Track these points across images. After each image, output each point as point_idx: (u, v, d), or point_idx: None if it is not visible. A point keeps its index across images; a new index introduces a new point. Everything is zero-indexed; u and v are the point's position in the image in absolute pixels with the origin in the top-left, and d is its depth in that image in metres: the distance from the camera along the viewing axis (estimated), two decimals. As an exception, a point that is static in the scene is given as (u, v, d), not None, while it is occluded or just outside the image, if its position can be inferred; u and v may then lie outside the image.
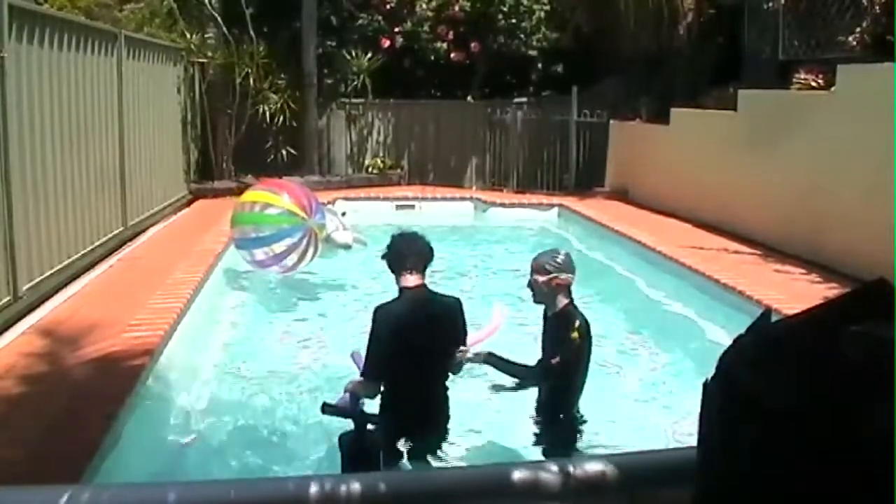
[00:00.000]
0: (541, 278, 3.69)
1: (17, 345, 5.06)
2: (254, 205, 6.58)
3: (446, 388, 3.74)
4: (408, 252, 3.69)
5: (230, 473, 3.90)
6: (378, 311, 3.60)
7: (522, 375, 3.80)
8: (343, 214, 8.10)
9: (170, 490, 1.58)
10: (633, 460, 1.78)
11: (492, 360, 3.78)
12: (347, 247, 7.37)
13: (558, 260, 3.70)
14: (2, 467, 3.36)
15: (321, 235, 6.51)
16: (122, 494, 1.50)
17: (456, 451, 3.88)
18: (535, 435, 3.82)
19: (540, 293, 3.74)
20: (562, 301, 3.70)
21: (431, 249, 3.78)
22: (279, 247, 6.38)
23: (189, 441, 4.33)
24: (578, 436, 3.78)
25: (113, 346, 4.90)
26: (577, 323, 3.60)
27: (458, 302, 3.75)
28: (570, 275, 3.70)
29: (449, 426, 3.77)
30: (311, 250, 6.49)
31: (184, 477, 3.88)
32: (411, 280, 3.65)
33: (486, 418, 4.39)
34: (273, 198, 6.48)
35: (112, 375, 4.48)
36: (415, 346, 3.51)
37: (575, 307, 3.71)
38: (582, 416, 3.79)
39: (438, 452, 3.72)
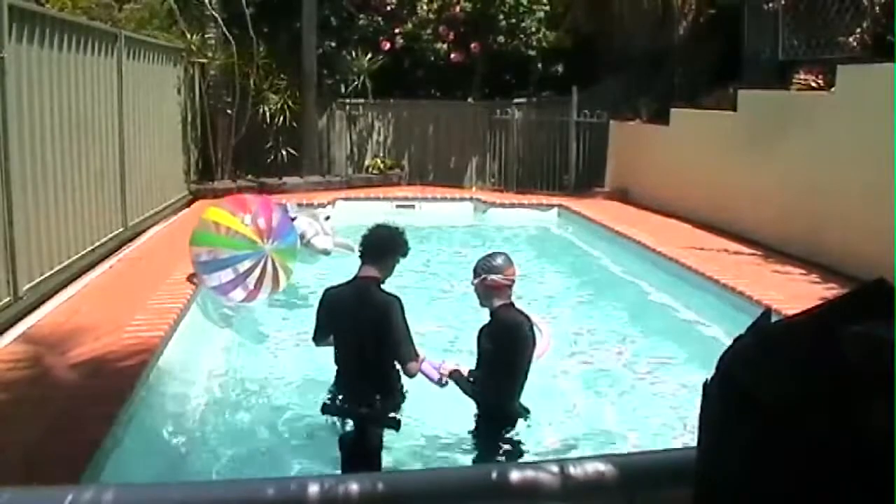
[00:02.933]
0: (474, 280, 3.83)
1: (18, 345, 5.06)
2: (216, 225, 5.88)
3: (380, 369, 4.01)
4: (366, 244, 4.15)
5: (230, 473, 3.90)
6: (325, 290, 4.25)
7: (471, 392, 3.92)
8: (327, 219, 7.91)
9: (170, 490, 1.58)
10: (633, 460, 1.77)
11: (461, 383, 3.91)
12: (326, 252, 7.01)
13: (490, 262, 3.82)
14: (2, 467, 3.36)
15: (284, 261, 5.87)
16: (122, 495, 1.50)
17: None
18: (472, 429, 3.94)
19: (477, 294, 3.87)
20: (496, 303, 3.80)
21: (389, 247, 4.14)
22: (240, 268, 5.74)
23: (189, 441, 4.33)
24: (494, 433, 3.87)
25: (113, 346, 4.90)
26: (489, 328, 3.77)
27: (394, 300, 4.03)
28: (497, 276, 3.76)
29: (380, 405, 3.79)
30: (269, 275, 5.79)
31: (184, 477, 3.88)
32: (363, 270, 4.13)
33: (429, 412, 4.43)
34: (233, 220, 5.81)
35: (112, 376, 4.48)
36: (341, 326, 4.08)
37: (506, 310, 3.78)
38: (506, 415, 3.86)
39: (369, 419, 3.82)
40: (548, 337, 5.02)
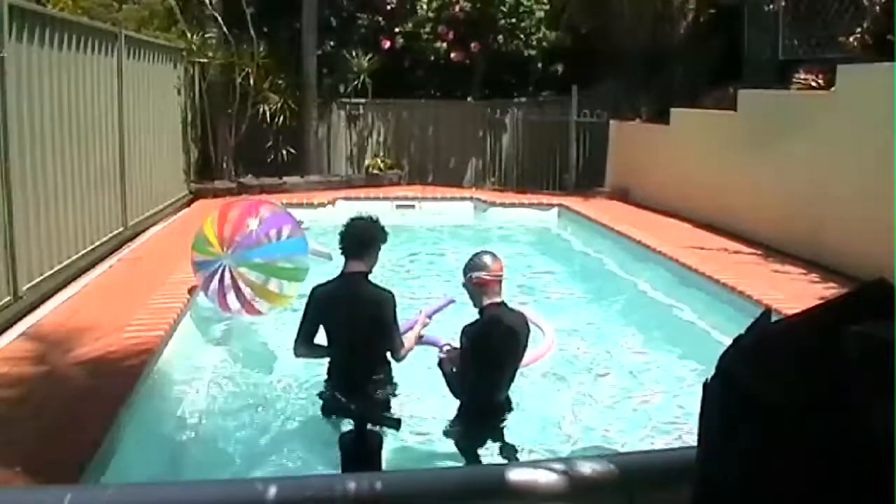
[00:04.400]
0: (463, 278, 3.87)
1: (18, 345, 5.06)
2: (201, 230, 5.59)
3: (374, 364, 4.09)
4: (346, 239, 4.15)
5: (230, 473, 3.90)
6: (312, 289, 4.21)
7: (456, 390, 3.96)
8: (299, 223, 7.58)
9: (170, 490, 1.58)
10: (633, 460, 1.78)
11: (444, 369, 3.95)
12: None
13: (476, 260, 3.86)
14: (2, 467, 3.36)
15: (244, 272, 5.27)
16: (121, 495, 1.50)
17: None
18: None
19: (469, 294, 3.89)
20: (485, 301, 3.82)
21: (371, 238, 4.15)
22: (201, 275, 5.50)
23: (189, 441, 4.33)
24: (473, 427, 3.91)
25: (113, 346, 4.90)
26: (465, 327, 3.80)
27: (388, 296, 4.08)
28: (480, 272, 3.78)
29: (379, 396, 4.05)
30: (229, 288, 5.31)
31: (184, 477, 3.88)
32: (349, 265, 4.13)
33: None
34: (208, 226, 5.46)
35: (112, 375, 4.48)
36: (337, 323, 4.07)
37: (493, 309, 3.80)
38: (487, 411, 3.91)
39: (370, 418, 3.88)
40: (551, 337, 5.03)
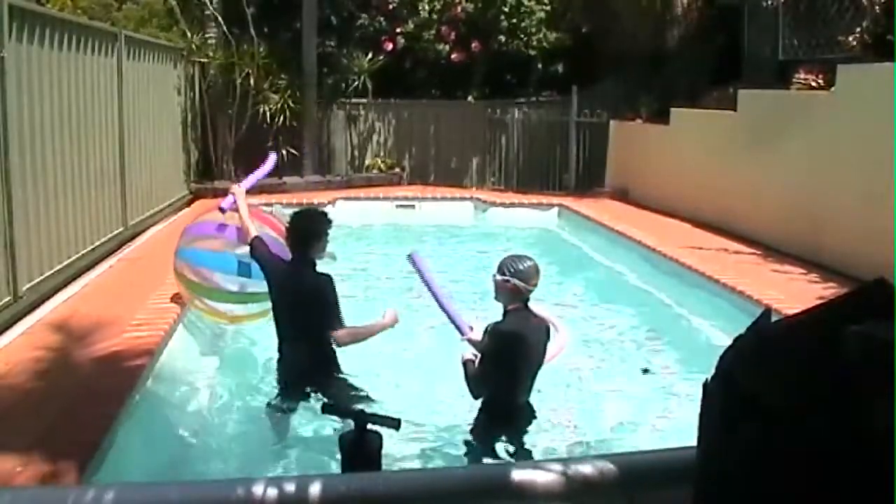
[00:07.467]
0: (498, 277, 3.81)
1: (17, 345, 5.06)
2: None
3: (318, 347, 4.24)
4: (288, 232, 4.38)
5: (230, 473, 3.90)
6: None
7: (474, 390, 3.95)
8: None
9: (170, 490, 1.58)
10: (633, 460, 1.77)
11: (467, 367, 3.93)
12: None
13: (519, 266, 3.79)
14: (2, 467, 3.36)
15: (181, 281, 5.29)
16: (122, 495, 1.50)
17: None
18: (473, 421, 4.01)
19: (496, 290, 3.86)
20: (510, 304, 3.81)
21: (309, 229, 4.33)
22: None
23: (189, 441, 4.33)
24: (489, 428, 3.90)
25: (113, 345, 4.90)
26: (489, 327, 3.80)
27: (324, 280, 4.24)
28: (521, 282, 3.76)
29: (327, 379, 4.24)
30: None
31: (184, 477, 3.88)
32: (294, 255, 4.35)
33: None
34: None
35: (112, 375, 4.48)
36: (279, 309, 4.38)
37: (517, 313, 3.79)
38: (505, 413, 3.90)
39: (316, 401, 4.13)
40: (563, 338, 5.02)
